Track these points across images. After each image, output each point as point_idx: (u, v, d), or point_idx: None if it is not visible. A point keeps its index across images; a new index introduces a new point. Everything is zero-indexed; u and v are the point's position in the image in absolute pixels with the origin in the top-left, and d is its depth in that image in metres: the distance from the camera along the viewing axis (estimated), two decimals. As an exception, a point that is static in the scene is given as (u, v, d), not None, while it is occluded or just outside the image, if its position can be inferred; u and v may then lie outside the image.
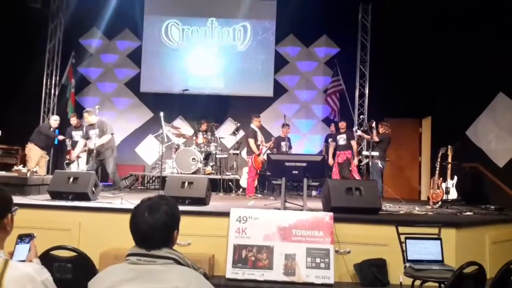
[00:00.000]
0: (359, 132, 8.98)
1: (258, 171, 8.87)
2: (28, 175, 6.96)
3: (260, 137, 9.12)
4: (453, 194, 7.84)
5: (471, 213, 6.44)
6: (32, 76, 10.95)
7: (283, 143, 9.34)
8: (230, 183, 10.10)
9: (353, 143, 9.32)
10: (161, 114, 8.35)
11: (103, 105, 11.29)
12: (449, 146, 8.08)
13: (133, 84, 12.14)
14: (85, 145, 9.45)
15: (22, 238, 1.87)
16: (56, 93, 11.64)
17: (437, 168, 7.99)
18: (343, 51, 11.67)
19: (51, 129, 9.29)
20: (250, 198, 8.44)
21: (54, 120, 9.40)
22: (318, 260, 4.91)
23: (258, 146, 8.92)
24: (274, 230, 5.04)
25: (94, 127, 8.03)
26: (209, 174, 9.91)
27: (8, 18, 10.23)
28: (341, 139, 9.39)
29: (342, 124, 9.53)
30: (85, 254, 2.63)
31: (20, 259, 1.81)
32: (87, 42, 12.20)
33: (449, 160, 8.02)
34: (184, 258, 1.77)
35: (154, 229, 1.74)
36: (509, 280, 2.72)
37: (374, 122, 8.37)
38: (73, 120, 9.67)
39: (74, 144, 9.55)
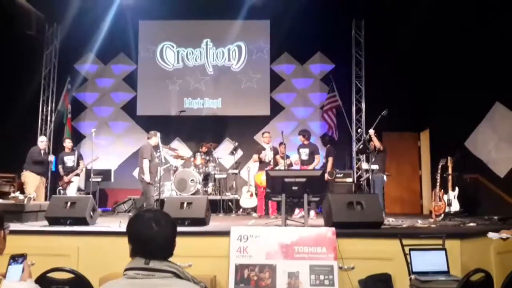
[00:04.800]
0: (372, 132, 8.14)
1: (262, 189, 8.67)
2: (25, 202, 6.88)
3: (266, 153, 8.99)
4: (455, 206, 7.78)
5: (475, 224, 6.37)
6: (28, 102, 10.92)
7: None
8: (230, 203, 10.04)
9: (317, 157, 8.79)
10: (158, 135, 8.32)
11: (100, 129, 11.27)
12: (449, 158, 8.04)
13: (130, 108, 12.12)
14: (80, 169, 9.39)
15: (14, 258, 1.80)
16: (53, 119, 11.60)
17: (438, 180, 7.94)
18: (338, 67, 11.70)
19: (41, 151, 9.19)
20: (254, 217, 8.44)
21: (41, 142, 9.26)
22: (322, 277, 4.81)
23: (262, 162, 8.89)
24: (276, 247, 4.95)
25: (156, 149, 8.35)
26: (209, 194, 9.82)
27: (2, 45, 10.25)
28: (303, 154, 8.84)
29: (301, 137, 8.93)
30: (83, 276, 2.57)
31: (14, 280, 1.74)
32: (82, 67, 12.20)
33: (450, 171, 7.97)
34: (183, 271, 1.72)
35: (166, 241, 1.77)
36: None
37: (373, 131, 8.12)
38: (69, 143, 9.60)
39: (66, 169, 9.43)
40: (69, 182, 9.32)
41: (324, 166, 9.09)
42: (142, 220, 1.78)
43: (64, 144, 9.66)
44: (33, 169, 8.92)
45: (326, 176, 9.02)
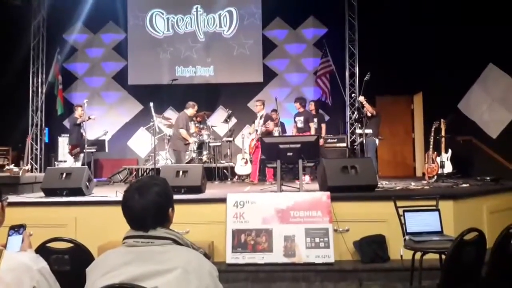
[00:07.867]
0: (362, 99, 8.05)
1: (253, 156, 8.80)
2: (20, 174, 6.89)
3: (257, 121, 9.03)
4: (448, 168, 7.86)
5: (467, 185, 6.46)
6: (18, 74, 10.78)
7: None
8: (225, 171, 10.07)
9: (312, 125, 8.79)
10: (151, 104, 8.29)
11: (92, 100, 11.15)
12: (442, 120, 8.07)
13: (121, 77, 11.98)
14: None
15: (14, 229, 1.82)
16: (44, 90, 11.46)
17: (431, 142, 7.99)
18: (331, 31, 11.54)
19: None
20: (251, 184, 8.48)
21: None
22: (317, 239, 4.91)
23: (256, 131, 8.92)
24: (272, 212, 5.02)
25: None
26: (204, 162, 9.85)
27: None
28: (299, 122, 8.87)
29: (297, 104, 9.00)
30: (82, 245, 2.58)
31: (14, 250, 1.76)
32: (71, 37, 11.97)
33: (443, 133, 8.02)
34: (182, 237, 1.73)
35: (146, 210, 1.70)
36: (510, 244, 2.72)
37: (363, 98, 8.03)
38: (81, 111, 9.26)
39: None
40: (80, 152, 9.14)
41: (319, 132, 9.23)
42: (128, 191, 1.76)
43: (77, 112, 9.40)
44: None
45: (321, 141, 9.12)
